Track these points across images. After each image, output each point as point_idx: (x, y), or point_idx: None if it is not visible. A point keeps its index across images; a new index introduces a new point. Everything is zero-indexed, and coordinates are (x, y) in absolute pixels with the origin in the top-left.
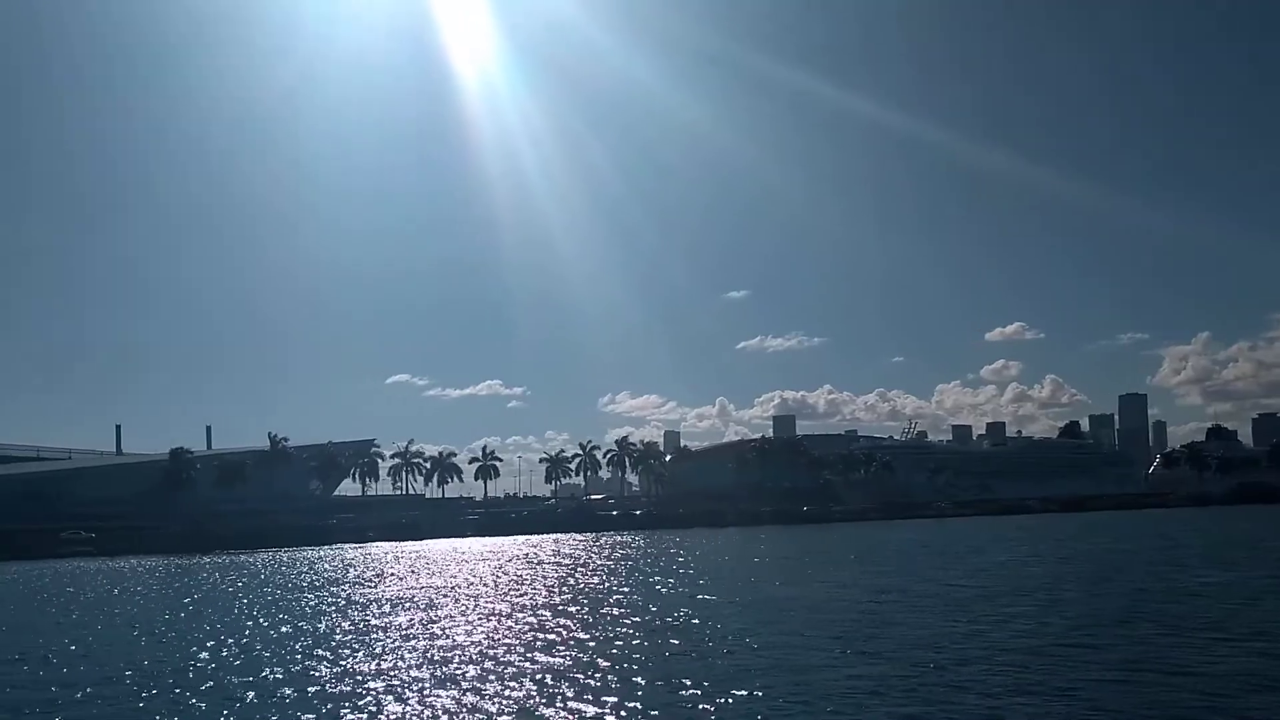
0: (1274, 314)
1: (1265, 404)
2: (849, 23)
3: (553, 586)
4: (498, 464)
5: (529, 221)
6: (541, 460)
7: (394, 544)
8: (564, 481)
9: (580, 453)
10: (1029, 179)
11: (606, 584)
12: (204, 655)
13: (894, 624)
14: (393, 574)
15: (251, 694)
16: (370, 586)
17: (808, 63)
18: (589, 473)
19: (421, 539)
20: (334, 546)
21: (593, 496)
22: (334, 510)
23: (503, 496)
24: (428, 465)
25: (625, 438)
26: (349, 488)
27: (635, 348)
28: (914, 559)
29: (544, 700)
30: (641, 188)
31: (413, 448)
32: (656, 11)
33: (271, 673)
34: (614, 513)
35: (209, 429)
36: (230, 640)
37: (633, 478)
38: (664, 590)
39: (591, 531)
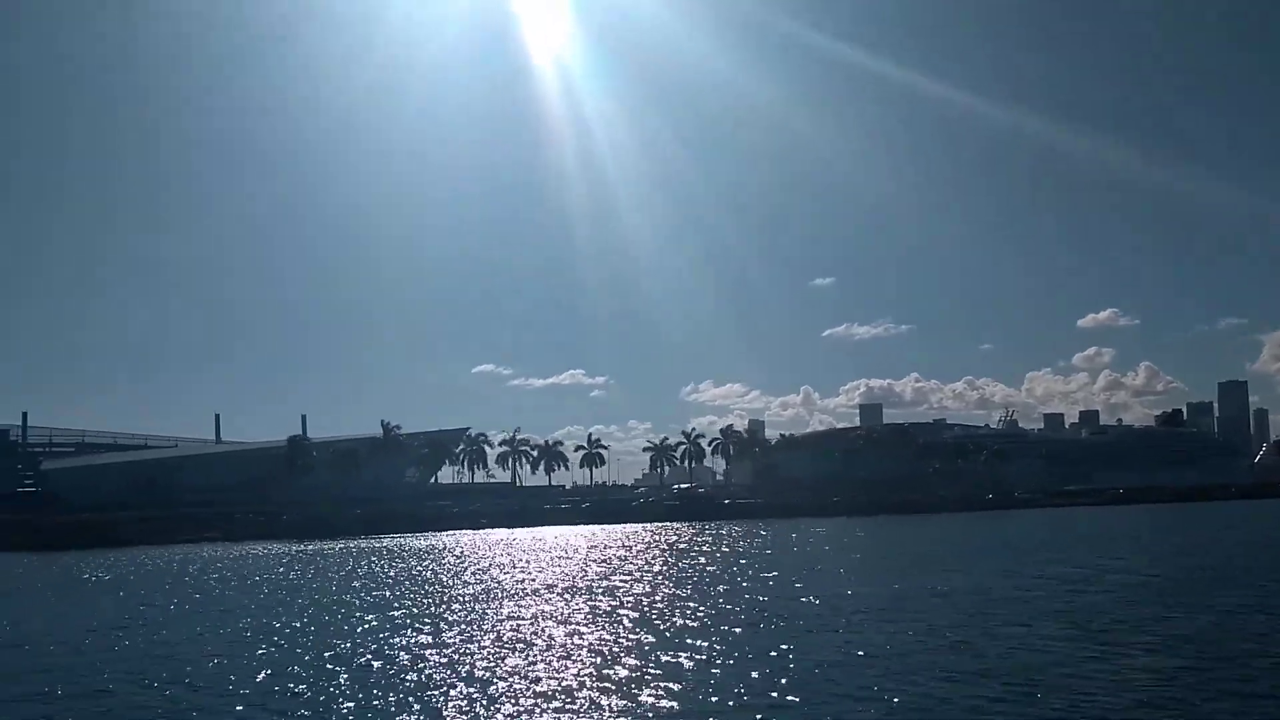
0: None
1: None
2: (927, 5)
3: (749, 579)
4: (603, 452)
5: (609, 212)
6: (646, 449)
7: (508, 530)
8: (647, 471)
9: (685, 441)
10: (1120, 161)
11: (790, 575)
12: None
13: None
14: (543, 559)
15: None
16: (531, 570)
17: (887, 47)
18: (693, 462)
19: (531, 525)
20: (449, 532)
21: (681, 486)
22: (435, 497)
23: (592, 485)
24: (534, 453)
25: (730, 426)
26: (442, 475)
27: (718, 337)
28: (1076, 547)
29: None
30: (722, 177)
31: (519, 436)
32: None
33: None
34: (725, 501)
35: (304, 418)
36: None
37: (713, 464)
38: (853, 583)
39: (699, 520)
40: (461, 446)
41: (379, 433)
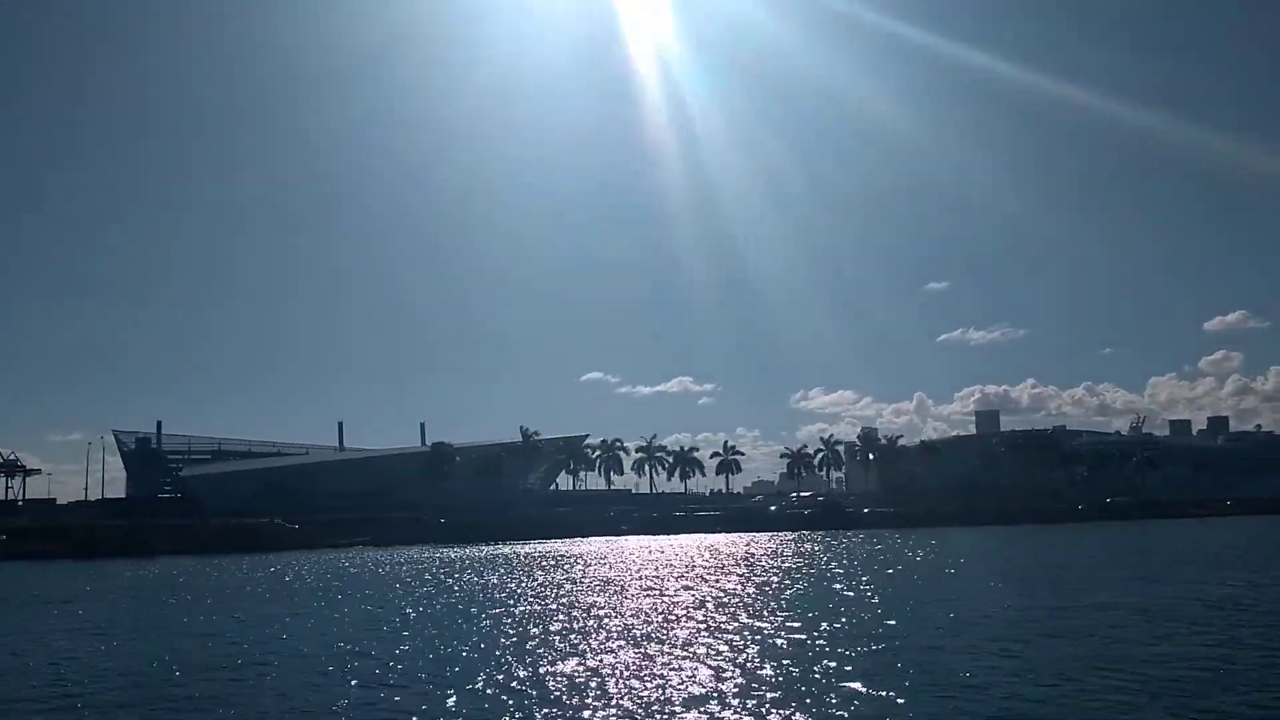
0: None
1: None
2: (1043, 5)
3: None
4: (739, 459)
5: (714, 216)
6: (783, 455)
7: (651, 538)
8: (758, 480)
9: (823, 448)
10: (1246, 158)
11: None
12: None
13: None
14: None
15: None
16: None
17: (998, 45)
18: (830, 469)
19: (671, 533)
20: (590, 539)
21: (802, 494)
22: (562, 503)
23: (707, 493)
24: (670, 459)
25: (873, 430)
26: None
27: (828, 342)
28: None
29: None
30: (831, 180)
31: (656, 442)
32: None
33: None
34: (865, 510)
35: (422, 425)
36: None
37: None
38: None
39: (836, 529)
40: (599, 452)
41: (510, 438)
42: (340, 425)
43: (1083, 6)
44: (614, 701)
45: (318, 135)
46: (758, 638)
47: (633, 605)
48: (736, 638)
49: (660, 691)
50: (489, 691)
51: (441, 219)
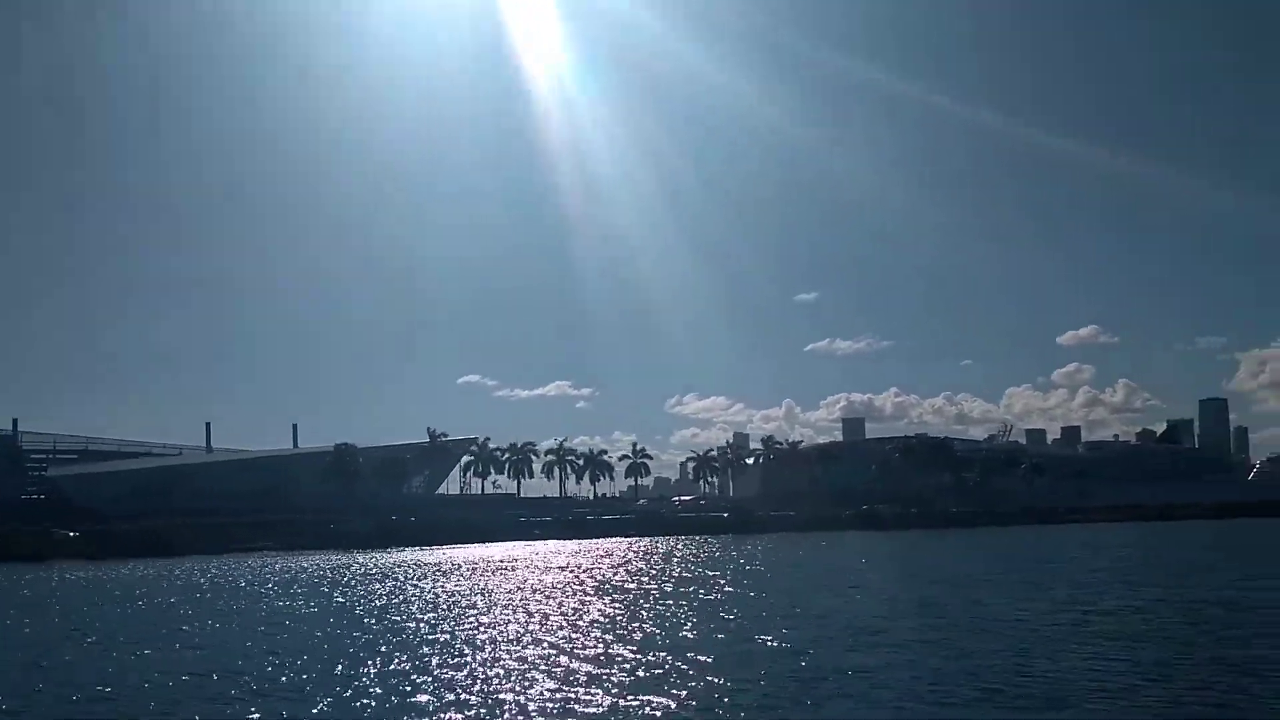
0: None
1: None
2: (918, 13)
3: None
4: (648, 462)
5: (597, 223)
6: (690, 459)
7: (574, 541)
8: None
9: (727, 450)
10: (1104, 179)
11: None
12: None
13: None
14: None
15: None
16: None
17: (880, 57)
18: (732, 474)
19: (585, 538)
20: (503, 543)
21: (683, 498)
22: (466, 507)
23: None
24: (580, 462)
25: (770, 437)
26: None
27: (704, 349)
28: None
29: None
30: (712, 189)
31: (568, 445)
32: (726, 5)
33: None
34: (771, 514)
35: (295, 426)
36: None
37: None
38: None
39: (739, 533)
40: (508, 455)
41: (415, 439)
42: (208, 426)
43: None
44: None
45: (199, 135)
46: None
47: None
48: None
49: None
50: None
51: (317, 218)
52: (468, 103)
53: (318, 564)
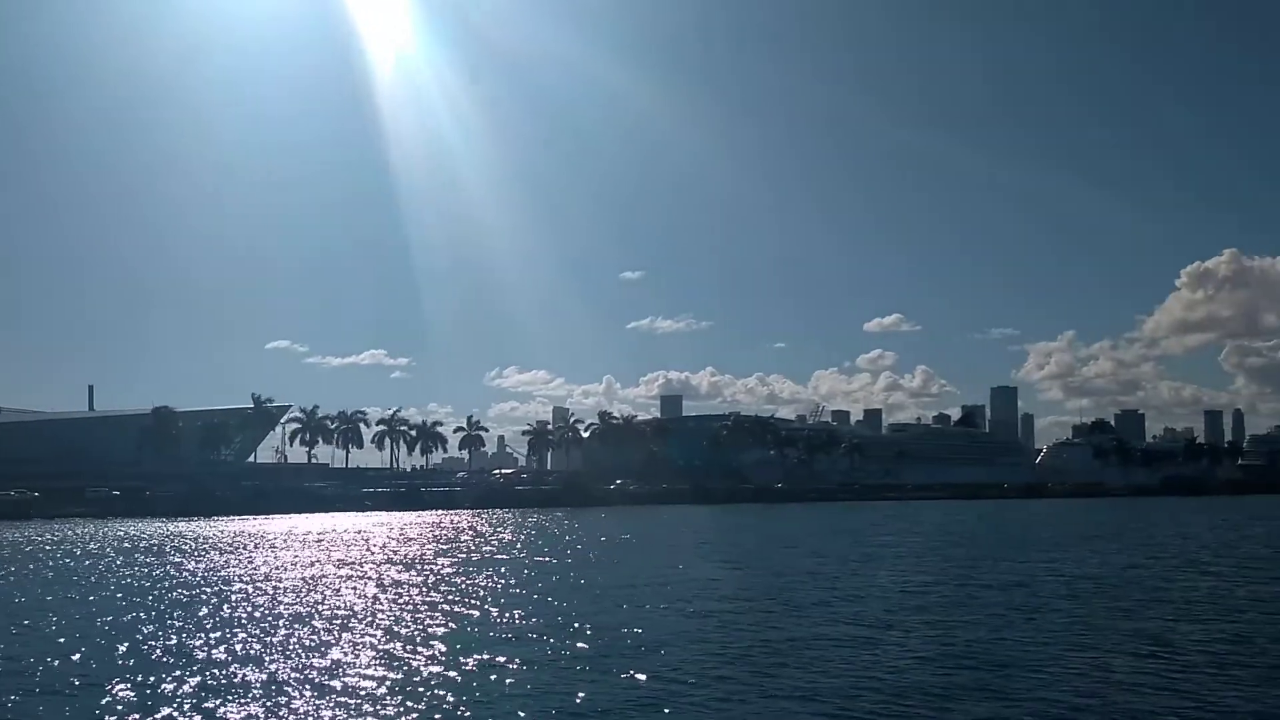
0: (1137, 315)
1: (1122, 401)
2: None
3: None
4: (483, 434)
5: (422, 194)
6: (524, 433)
7: (399, 514)
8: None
9: (562, 424)
10: (917, 172)
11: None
12: None
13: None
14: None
15: None
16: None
17: (723, 42)
18: (568, 448)
19: (418, 509)
20: (333, 514)
21: (503, 471)
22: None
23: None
24: (413, 433)
25: (605, 411)
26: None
27: (528, 323)
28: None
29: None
30: (547, 163)
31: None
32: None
33: None
34: (610, 487)
35: (91, 389)
36: None
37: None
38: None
39: (580, 505)
40: (338, 424)
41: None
42: None
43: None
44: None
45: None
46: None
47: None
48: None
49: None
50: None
51: (127, 177)
52: (299, 63)
53: (127, 532)
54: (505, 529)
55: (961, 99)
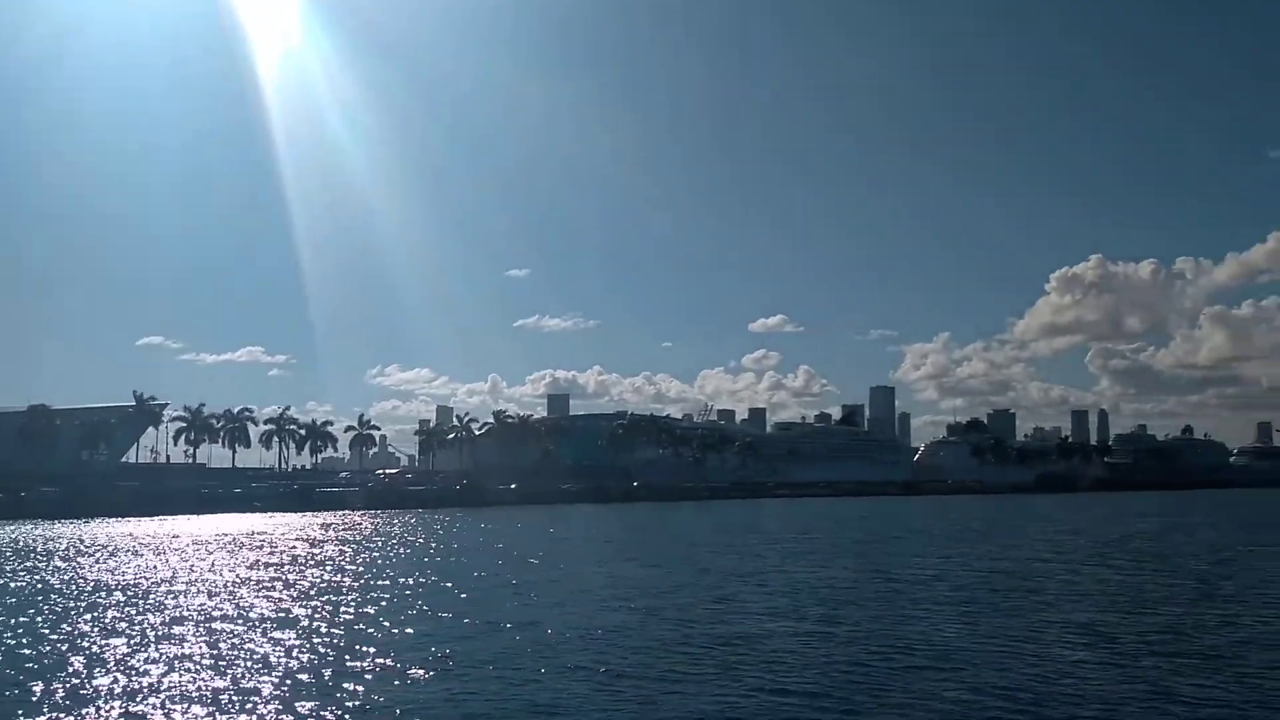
0: (1009, 318)
1: (994, 400)
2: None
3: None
4: (374, 434)
5: (303, 187)
6: (417, 433)
7: (282, 515)
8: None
9: (457, 423)
10: (802, 173)
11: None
12: None
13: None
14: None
15: None
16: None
17: (608, 37)
18: (461, 447)
19: (308, 511)
20: (225, 515)
21: (387, 471)
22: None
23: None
24: (302, 432)
25: (501, 410)
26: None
27: (410, 320)
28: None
29: None
30: (429, 160)
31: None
32: None
33: None
34: (511, 487)
35: None
36: None
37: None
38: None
39: (475, 505)
40: (223, 423)
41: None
42: None
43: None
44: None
45: None
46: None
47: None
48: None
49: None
50: None
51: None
52: (177, 54)
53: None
54: (407, 530)
55: (846, 101)
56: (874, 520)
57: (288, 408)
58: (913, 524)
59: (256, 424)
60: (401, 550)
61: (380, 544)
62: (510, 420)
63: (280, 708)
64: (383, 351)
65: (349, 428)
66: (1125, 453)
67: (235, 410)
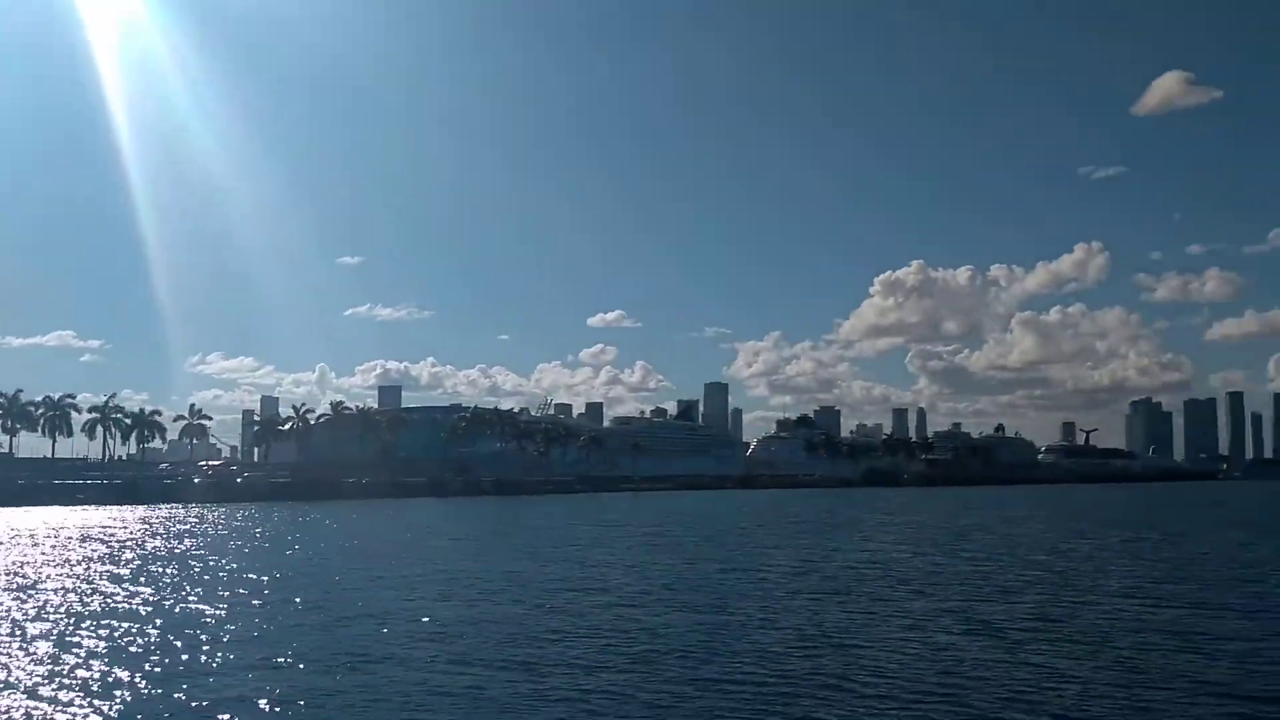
0: (835, 319)
1: (820, 398)
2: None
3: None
4: (206, 423)
5: (130, 168)
6: (255, 423)
7: (109, 509)
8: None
9: (293, 413)
10: (643, 172)
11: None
12: None
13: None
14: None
15: None
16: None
17: (456, 23)
18: (297, 438)
19: (135, 503)
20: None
21: (211, 463)
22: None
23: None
24: (128, 421)
25: (339, 401)
26: None
27: (234, 307)
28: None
29: None
30: (257, 142)
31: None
32: None
33: None
34: (350, 481)
35: None
36: None
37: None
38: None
39: (313, 499)
40: (42, 410)
41: None
42: None
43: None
44: None
45: None
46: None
47: None
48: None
49: None
50: None
51: None
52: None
53: None
54: (245, 524)
55: (685, 101)
56: (733, 514)
57: (113, 395)
58: (764, 516)
59: (80, 411)
60: (243, 545)
61: (221, 538)
62: (348, 411)
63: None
64: (205, 339)
65: (179, 417)
66: (945, 449)
67: (56, 397)
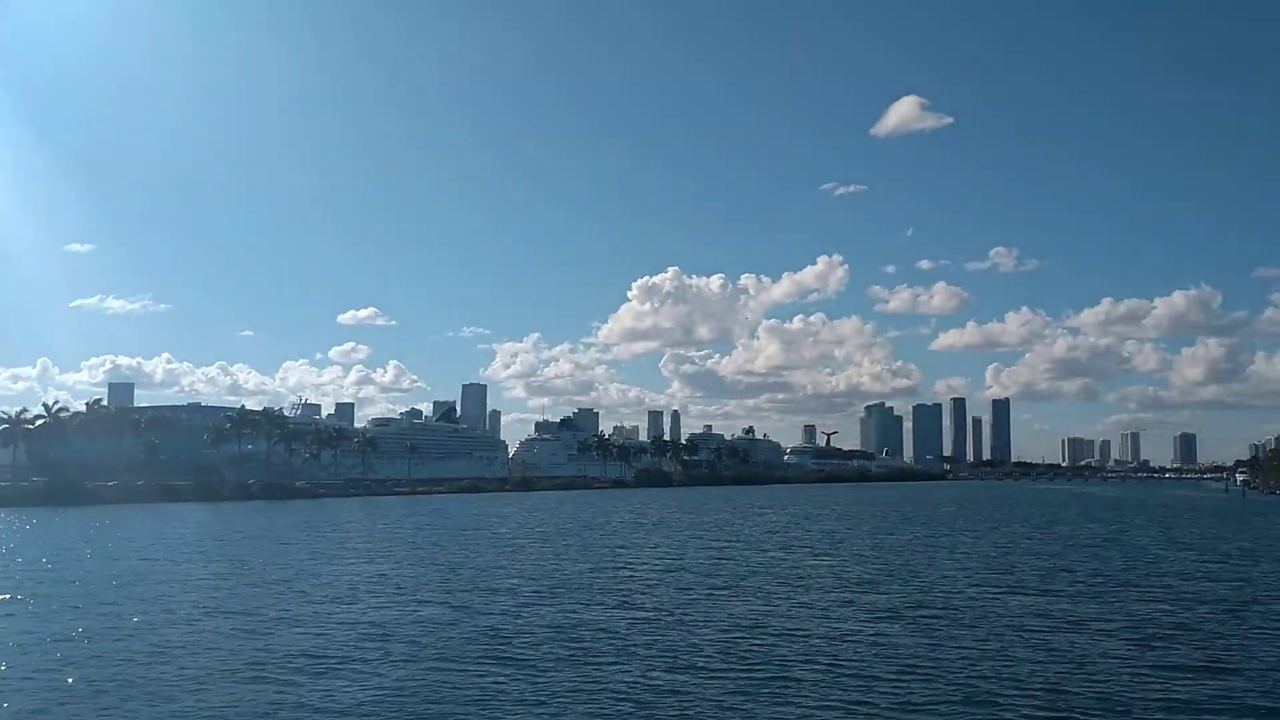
0: (594, 323)
1: (578, 400)
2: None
3: None
4: None
5: None
6: (1, 420)
7: None
8: None
9: (44, 411)
10: (403, 166)
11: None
12: None
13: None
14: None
15: None
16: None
17: (230, 11)
18: (44, 439)
19: None
20: None
21: None
22: None
23: None
24: None
25: (96, 400)
26: None
27: None
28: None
29: None
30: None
31: None
32: None
33: None
34: (111, 484)
35: None
36: None
37: None
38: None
39: (71, 504)
40: None
41: None
42: None
43: None
44: None
45: None
46: None
47: None
48: None
49: None
50: None
51: None
52: None
53: None
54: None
55: (472, 101)
56: (549, 515)
57: None
58: (580, 516)
59: None
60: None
61: None
62: (104, 410)
63: None
64: None
65: None
66: (707, 450)
67: None
